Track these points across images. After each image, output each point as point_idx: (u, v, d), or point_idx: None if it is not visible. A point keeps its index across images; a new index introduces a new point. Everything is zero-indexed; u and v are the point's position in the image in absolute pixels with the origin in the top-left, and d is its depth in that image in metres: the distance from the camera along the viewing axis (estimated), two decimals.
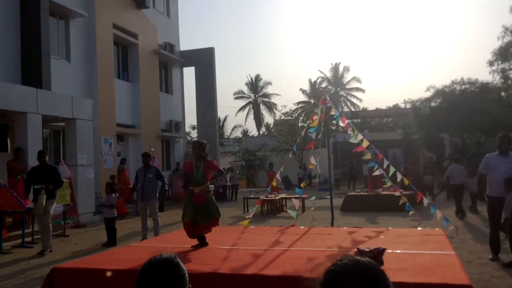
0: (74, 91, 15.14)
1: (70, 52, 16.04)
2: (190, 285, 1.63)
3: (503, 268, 6.39)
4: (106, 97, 16.89)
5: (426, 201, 8.88)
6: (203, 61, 23.89)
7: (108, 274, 4.42)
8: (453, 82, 28.24)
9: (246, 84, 51.41)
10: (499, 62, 23.68)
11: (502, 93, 26.89)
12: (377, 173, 9.38)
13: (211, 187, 9.19)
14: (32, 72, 13.50)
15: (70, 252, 8.96)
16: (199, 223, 5.94)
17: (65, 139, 14.63)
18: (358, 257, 1.35)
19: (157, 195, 9.98)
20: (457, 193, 12.30)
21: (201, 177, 6.10)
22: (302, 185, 10.68)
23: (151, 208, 9.64)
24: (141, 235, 9.62)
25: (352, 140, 9.55)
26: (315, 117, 9.92)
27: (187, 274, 1.63)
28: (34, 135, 12.07)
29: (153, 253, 1.67)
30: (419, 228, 8.04)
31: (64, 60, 15.84)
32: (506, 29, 22.94)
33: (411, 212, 9.12)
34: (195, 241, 6.01)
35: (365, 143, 9.45)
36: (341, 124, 10.03)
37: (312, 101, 43.76)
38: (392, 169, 9.31)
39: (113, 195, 9.88)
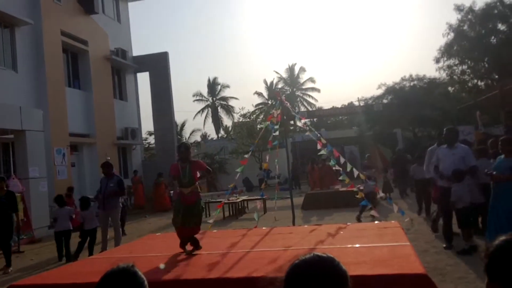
0: (23, 102, 14.57)
1: (17, 61, 15.44)
2: None
3: (457, 256, 6.67)
4: (57, 107, 16.35)
5: (381, 195, 9.13)
6: (157, 66, 23.54)
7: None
8: (402, 79, 29.31)
9: (205, 86, 51.09)
10: (445, 58, 24.76)
11: (449, 88, 28.17)
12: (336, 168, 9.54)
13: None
14: None
15: (27, 269, 8.61)
16: (188, 225, 5.92)
17: (15, 151, 14.06)
18: (318, 253, 1.43)
19: (120, 204, 9.75)
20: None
21: (189, 178, 6.06)
22: (262, 186, 10.75)
23: (113, 218, 9.40)
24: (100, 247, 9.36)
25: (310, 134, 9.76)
26: (272, 118, 10.04)
27: (146, 282, 1.62)
28: None
29: (113, 265, 1.65)
30: (376, 222, 8.28)
31: (10, 70, 15.23)
32: (451, 26, 24.00)
33: (368, 208, 9.35)
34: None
35: (322, 141, 9.65)
36: (299, 123, 10.19)
37: (270, 102, 44.06)
38: (348, 166, 9.54)
39: (67, 207, 9.63)
